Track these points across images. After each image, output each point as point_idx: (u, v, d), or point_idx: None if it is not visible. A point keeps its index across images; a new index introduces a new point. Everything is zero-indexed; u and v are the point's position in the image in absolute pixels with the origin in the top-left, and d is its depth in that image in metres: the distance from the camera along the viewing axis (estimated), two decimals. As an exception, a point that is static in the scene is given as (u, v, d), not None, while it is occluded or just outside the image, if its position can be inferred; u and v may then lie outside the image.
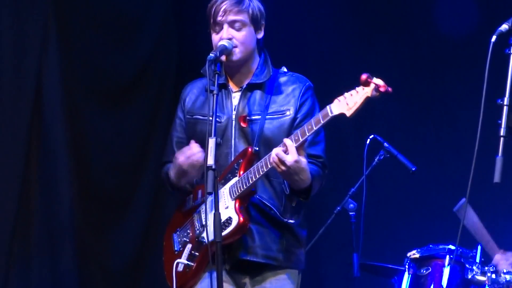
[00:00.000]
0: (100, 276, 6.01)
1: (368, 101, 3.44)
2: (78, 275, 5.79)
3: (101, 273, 6.02)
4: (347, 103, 3.47)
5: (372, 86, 3.43)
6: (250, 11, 3.76)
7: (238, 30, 3.74)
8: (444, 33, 5.97)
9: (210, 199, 3.54)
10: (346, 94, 3.50)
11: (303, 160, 3.54)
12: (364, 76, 3.43)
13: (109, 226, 6.09)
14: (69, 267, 5.73)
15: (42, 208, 5.64)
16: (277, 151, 3.52)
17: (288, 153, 3.50)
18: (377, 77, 3.44)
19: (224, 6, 3.73)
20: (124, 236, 6.15)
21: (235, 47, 3.72)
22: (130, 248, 6.19)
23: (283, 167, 3.50)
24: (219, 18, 3.74)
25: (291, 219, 3.75)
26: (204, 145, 3.64)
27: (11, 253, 5.45)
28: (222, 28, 3.74)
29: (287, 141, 3.53)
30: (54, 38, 5.71)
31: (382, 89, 3.43)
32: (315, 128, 3.51)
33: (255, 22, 3.78)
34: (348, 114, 3.47)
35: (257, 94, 3.80)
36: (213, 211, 3.46)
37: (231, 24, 3.74)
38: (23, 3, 5.53)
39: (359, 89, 3.46)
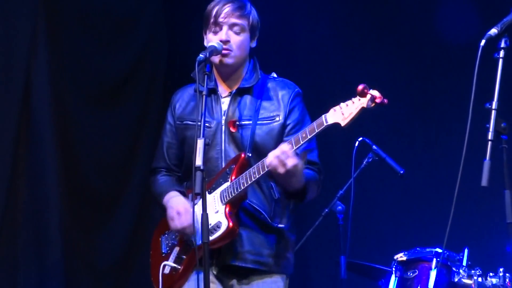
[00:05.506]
0: (87, 275, 6.00)
1: (363, 111, 3.45)
2: (65, 275, 5.77)
3: (88, 272, 6.00)
4: (342, 113, 3.48)
5: (368, 97, 3.44)
6: (251, 18, 3.81)
7: (237, 34, 3.76)
8: (434, 38, 5.99)
9: (199, 201, 3.53)
10: (342, 104, 3.50)
11: (301, 164, 3.55)
12: (360, 87, 3.43)
13: (97, 226, 6.08)
14: (56, 266, 5.72)
15: (30, 208, 5.62)
16: (276, 153, 3.51)
17: (288, 157, 3.49)
18: (372, 87, 3.45)
19: (227, 9, 3.76)
20: (111, 235, 6.14)
21: (231, 50, 3.74)
22: (118, 248, 6.18)
23: (282, 170, 3.50)
24: (220, 19, 3.75)
25: (281, 224, 3.75)
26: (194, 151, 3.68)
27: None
28: (221, 29, 3.76)
29: (285, 146, 3.52)
30: (43, 38, 5.70)
31: (378, 100, 3.43)
32: (309, 137, 3.52)
33: (252, 30, 3.82)
34: (343, 124, 3.48)
35: (247, 99, 3.80)
36: (201, 213, 3.43)
37: (231, 26, 3.76)
38: (12, 3, 5.50)
39: (355, 99, 3.47)
